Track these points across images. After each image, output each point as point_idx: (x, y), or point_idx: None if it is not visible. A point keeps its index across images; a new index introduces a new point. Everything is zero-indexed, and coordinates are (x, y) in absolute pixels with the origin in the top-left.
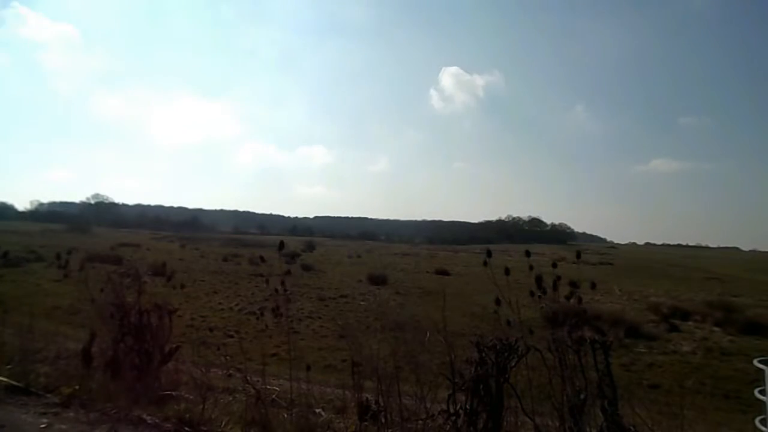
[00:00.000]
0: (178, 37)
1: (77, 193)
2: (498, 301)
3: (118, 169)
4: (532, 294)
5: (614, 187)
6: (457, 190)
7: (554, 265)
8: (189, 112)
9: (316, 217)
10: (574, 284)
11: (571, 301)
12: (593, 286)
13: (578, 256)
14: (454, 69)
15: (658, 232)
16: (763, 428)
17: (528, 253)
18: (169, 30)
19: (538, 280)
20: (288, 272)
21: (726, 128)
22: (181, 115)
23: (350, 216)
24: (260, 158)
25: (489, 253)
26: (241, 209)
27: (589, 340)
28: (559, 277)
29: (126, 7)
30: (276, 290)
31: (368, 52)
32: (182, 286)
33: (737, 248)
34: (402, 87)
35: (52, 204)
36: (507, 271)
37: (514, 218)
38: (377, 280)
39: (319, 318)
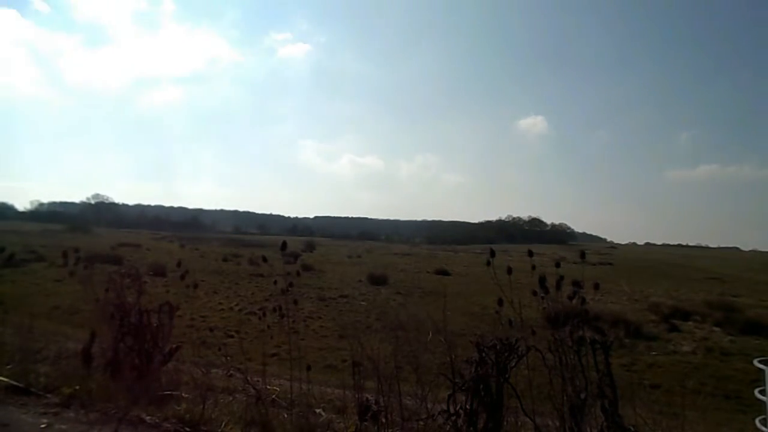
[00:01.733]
0: None
1: (78, 194)
2: (500, 302)
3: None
4: (534, 293)
5: (619, 190)
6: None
7: (557, 265)
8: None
9: (316, 217)
10: (577, 284)
11: (574, 301)
12: (596, 286)
13: (582, 256)
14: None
15: (658, 233)
16: (764, 428)
17: (531, 253)
18: None
19: (542, 280)
20: (297, 273)
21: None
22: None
23: (350, 216)
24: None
25: (492, 253)
26: (241, 209)
27: (589, 341)
28: (562, 277)
29: None
30: (282, 291)
31: None
32: (195, 286)
33: (737, 248)
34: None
35: (52, 204)
36: (509, 271)
37: (514, 218)
38: (377, 280)
39: (320, 318)
